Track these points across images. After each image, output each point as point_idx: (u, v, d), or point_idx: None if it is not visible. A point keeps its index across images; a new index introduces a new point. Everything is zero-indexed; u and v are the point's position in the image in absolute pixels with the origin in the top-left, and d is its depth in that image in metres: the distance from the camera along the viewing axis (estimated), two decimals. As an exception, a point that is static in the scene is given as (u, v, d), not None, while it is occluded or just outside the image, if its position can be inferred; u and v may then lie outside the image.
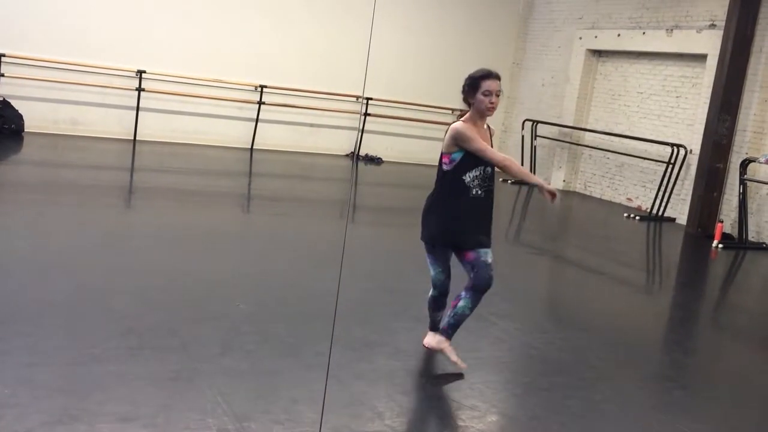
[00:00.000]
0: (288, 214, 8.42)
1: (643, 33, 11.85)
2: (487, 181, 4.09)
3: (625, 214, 11.12)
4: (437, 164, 4.17)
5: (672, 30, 11.39)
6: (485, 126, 4.16)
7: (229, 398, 3.48)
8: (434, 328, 4.35)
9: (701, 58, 10.95)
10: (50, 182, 8.39)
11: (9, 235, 5.96)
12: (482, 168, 4.05)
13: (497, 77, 4.03)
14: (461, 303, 4.13)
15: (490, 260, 4.09)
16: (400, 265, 6.58)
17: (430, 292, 4.27)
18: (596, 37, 12.79)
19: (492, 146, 4.11)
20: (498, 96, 4.01)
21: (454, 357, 4.18)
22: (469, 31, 14.14)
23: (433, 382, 4.08)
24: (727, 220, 10.18)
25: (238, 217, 8.18)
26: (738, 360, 5.40)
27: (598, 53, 13.01)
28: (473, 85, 4.02)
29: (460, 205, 4.07)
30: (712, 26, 10.73)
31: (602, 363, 4.73)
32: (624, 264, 8.11)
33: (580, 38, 13.09)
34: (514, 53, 14.68)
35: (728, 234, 9.94)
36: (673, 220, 11.05)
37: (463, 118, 4.10)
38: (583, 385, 4.30)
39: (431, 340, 4.34)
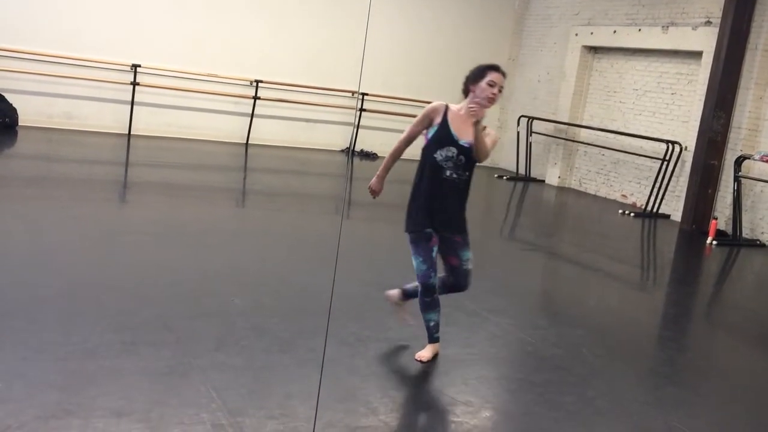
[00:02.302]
0: (283, 210, 8.41)
1: (639, 30, 11.85)
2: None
3: (620, 211, 11.13)
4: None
5: (668, 27, 11.39)
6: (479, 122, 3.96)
7: (223, 393, 3.48)
8: None
9: (697, 55, 10.96)
10: (44, 176, 8.36)
11: (2, 229, 5.94)
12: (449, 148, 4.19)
13: (503, 74, 4.07)
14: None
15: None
16: (394, 261, 6.58)
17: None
18: (592, 33, 12.79)
19: (478, 140, 4.00)
20: (500, 91, 4.02)
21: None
22: (465, 27, 14.13)
23: (427, 377, 4.08)
24: (722, 217, 10.20)
25: (233, 212, 8.17)
26: (731, 356, 5.42)
27: (594, 50, 13.01)
28: (479, 74, 4.03)
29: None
30: (708, 23, 10.74)
31: (596, 359, 4.74)
32: (618, 260, 8.13)
33: (576, 35, 13.09)
34: (510, 49, 14.67)
35: (722, 231, 9.97)
36: (667, 216, 11.07)
37: (456, 106, 4.12)
38: (577, 381, 4.31)
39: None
